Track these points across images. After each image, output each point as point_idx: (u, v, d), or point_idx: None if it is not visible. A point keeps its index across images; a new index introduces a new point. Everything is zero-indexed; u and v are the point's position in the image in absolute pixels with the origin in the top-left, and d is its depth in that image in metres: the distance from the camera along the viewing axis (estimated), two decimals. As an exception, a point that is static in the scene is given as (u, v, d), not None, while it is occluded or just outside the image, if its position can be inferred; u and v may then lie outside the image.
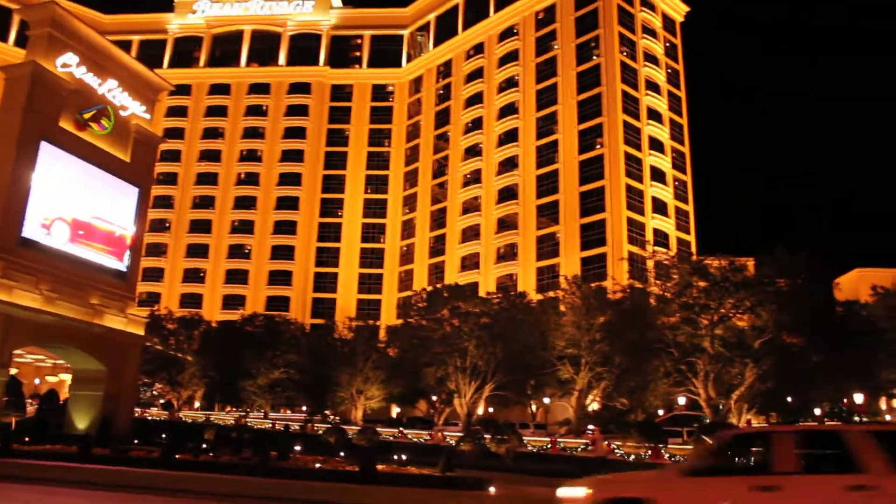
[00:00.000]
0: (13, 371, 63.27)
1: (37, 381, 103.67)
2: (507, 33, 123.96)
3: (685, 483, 14.60)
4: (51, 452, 38.59)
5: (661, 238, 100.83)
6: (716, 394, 55.18)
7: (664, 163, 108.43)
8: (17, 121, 54.31)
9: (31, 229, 54.19)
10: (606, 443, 51.69)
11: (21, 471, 31.33)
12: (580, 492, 15.05)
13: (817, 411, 67.41)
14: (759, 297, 54.88)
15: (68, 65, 58.57)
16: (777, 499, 13.51)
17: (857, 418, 61.38)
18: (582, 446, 53.71)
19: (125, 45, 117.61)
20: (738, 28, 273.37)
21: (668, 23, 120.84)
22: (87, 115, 60.22)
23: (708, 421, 54.22)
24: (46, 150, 55.65)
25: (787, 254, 56.02)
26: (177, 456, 36.82)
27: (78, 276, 57.84)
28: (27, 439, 45.27)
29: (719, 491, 14.18)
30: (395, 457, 49.34)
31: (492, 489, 32.49)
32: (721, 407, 55.21)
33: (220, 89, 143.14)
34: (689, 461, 17.11)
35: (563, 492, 15.56)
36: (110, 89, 62.70)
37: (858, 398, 53.31)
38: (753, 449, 16.03)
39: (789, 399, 59.28)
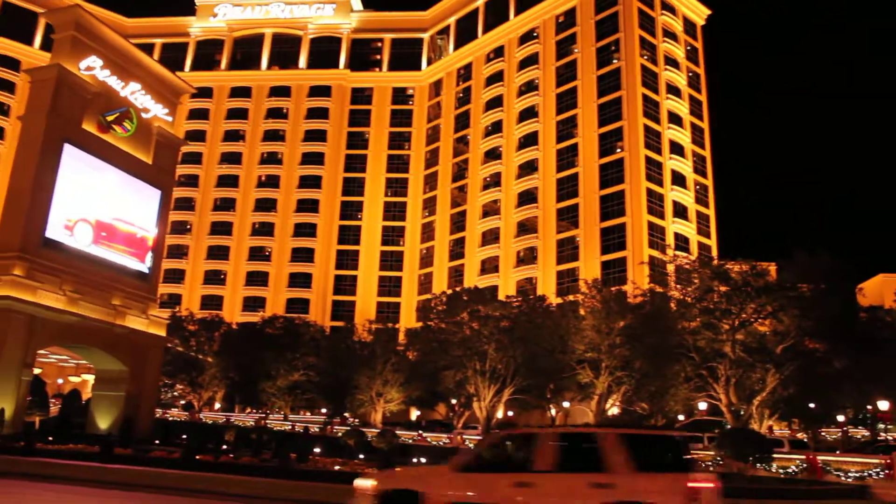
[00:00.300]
0: (37, 371, 63.84)
1: (60, 380, 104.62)
2: (528, 37, 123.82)
3: (455, 478, 15.97)
4: (73, 452, 38.84)
5: (681, 242, 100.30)
6: (737, 399, 54.71)
7: (685, 167, 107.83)
8: (41, 123, 54.92)
9: (54, 230, 54.73)
10: (626, 447, 51.33)
11: (44, 470, 31.59)
12: (368, 483, 16.49)
13: (840, 418, 66.67)
14: (781, 302, 54.31)
15: (92, 67, 59.16)
16: (531, 495, 14.98)
17: (881, 425, 60.69)
18: (601, 451, 53.33)
19: (148, 48, 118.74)
20: (759, 28, 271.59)
21: (689, 26, 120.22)
22: (110, 118, 60.79)
23: (729, 426, 53.77)
24: (69, 152, 56.20)
25: (808, 258, 55.48)
26: (197, 457, 36.93)
27: (100, 277, 58.36)
28: (50, 438, 45.65)
29: (484, 485, 15.64)
30: (415, 459, 49.34)
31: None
32: (742, 412, 54.72)
33: (241, 92, 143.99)
34: (461, 457, 18.34)
35: (357, 482, 16.99)
36: (133, 92, 63.26)
37: (883, 405, 52.56)
38: (521, 447, 17.04)
39: (812, 405, 58.67)
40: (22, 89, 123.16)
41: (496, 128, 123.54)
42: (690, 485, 14.54)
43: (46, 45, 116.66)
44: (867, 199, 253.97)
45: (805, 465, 40.28)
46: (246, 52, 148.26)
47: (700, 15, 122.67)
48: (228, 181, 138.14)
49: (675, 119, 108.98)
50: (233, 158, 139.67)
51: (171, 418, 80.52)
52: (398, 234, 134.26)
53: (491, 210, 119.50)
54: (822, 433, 67.50)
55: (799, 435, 63.22)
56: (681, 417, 64.63)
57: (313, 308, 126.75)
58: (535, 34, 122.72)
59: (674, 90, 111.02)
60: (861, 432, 72.02)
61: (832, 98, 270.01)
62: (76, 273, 55.96)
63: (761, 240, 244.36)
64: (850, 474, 38.24)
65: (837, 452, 48.70)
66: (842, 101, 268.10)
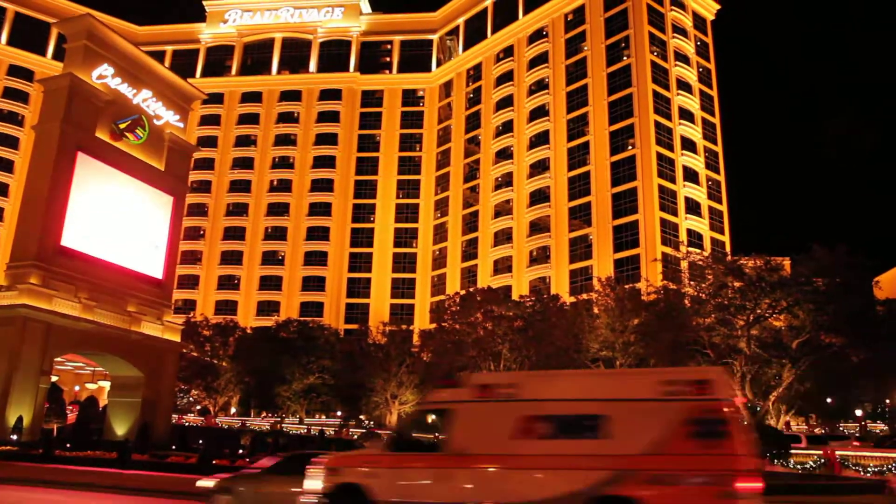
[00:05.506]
0: (54, 378, 64.26)
1: (77, 388, 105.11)
2: (537, 35, 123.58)
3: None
4: (91, 458, 39.15)
5: (694, 239, 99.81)
6: (753, 395, 54.43)
7: (697, 163, 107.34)
8: (54, 132, 55.36)
9: (69, 238, 55.12)
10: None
11: (63, 476, 31.81)
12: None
13: (858, 412, 66.26)
14: (796, 297, 53.97)
15: (104, 76, 59.57)
16: None
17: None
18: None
19: (158, 56, 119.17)
20: (770, 21, 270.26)
21: (698, 21, 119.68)
22: (122, 126, 61.17)
23: (745, 423, 53.45)
24: (83, 161, 56.60)
25: (824, 252, 55.06)
26: (214, 461, 37.12)
27: (115, 284, 58.73)
28: (68, 445, 45.96)
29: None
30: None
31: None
32: (759, 408, 54.46)
33: (252, 97, 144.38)
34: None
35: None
36: (145, 99, 63.65)
37: (901, 398, 52.29)
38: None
39: (829, 400, 58.32)
40: (35, 99, 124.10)
41: (507, 127, 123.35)
42: None
43: (59, 55, 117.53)
44: (884, 190, 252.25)
45: (823, 461, 40.08)
46: (256, 57, 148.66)
47: (709, 10, 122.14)
48: (241, 186, 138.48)
49: (686, 115, 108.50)
50: (245, 163, 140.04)
51: (187, 423, 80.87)
52: (411, 235, 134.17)
53: (503, 210, 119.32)
54: (841, 428, 67.10)
55: (816, 430, 62.93)
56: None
57: (327, 311, 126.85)
58: (544, 33, 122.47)
59: (684, 86, 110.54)
60: (879, 426, 71.53)
61: (848, 87, 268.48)
62: (91, 280, 56.34)
63: (775, 235, 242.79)
64: (869, 469, 38.02)
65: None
66: (859, 91, 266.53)
